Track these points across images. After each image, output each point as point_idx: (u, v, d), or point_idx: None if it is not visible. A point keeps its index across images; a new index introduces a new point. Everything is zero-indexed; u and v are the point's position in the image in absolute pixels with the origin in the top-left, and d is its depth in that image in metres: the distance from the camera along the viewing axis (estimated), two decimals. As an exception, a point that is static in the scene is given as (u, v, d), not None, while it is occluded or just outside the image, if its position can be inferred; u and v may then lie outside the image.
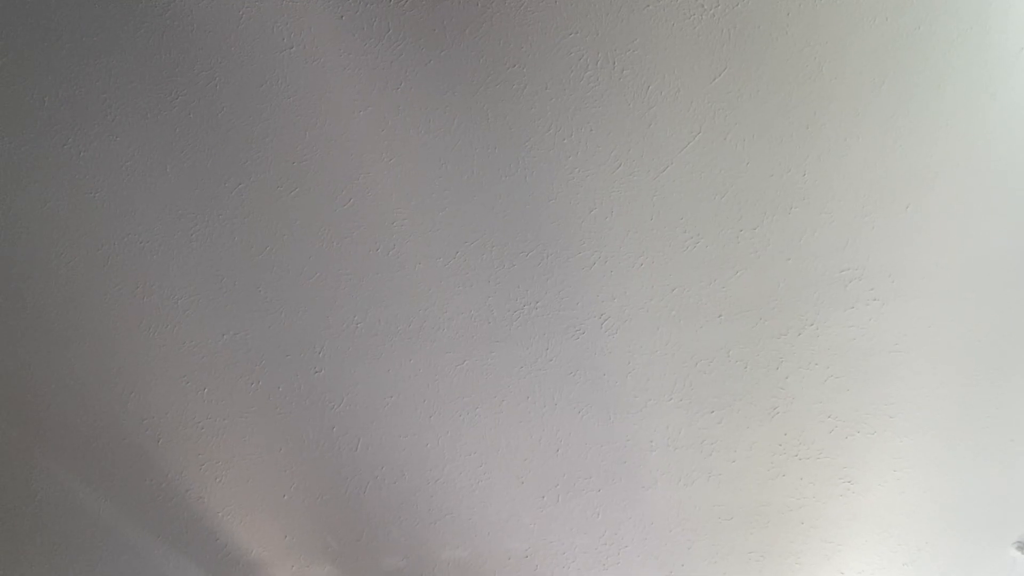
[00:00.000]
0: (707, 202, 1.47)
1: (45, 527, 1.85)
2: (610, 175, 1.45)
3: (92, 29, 1.30)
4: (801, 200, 1.47)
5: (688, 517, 1.90)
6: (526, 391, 1.71)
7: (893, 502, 1.85)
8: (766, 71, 1.34)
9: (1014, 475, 1.80)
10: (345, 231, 1.51)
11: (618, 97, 1.36)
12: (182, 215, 1.49)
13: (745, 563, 1.96)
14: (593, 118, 1.38)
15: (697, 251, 1.53)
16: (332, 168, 1.44)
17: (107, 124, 1.39)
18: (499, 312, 1.60)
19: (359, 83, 1.36)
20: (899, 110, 1.38)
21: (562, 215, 1.49)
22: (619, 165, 1.44)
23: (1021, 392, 1.68)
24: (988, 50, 1.31)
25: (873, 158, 1.43)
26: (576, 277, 1.56)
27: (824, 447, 1.77)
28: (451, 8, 1.28)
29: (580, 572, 2.03)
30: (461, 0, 1.26)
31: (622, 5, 1.28)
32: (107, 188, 1.45)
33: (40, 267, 1.53)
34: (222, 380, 1.68)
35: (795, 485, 1.82)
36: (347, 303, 1.59)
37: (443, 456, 1.80)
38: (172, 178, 1.45)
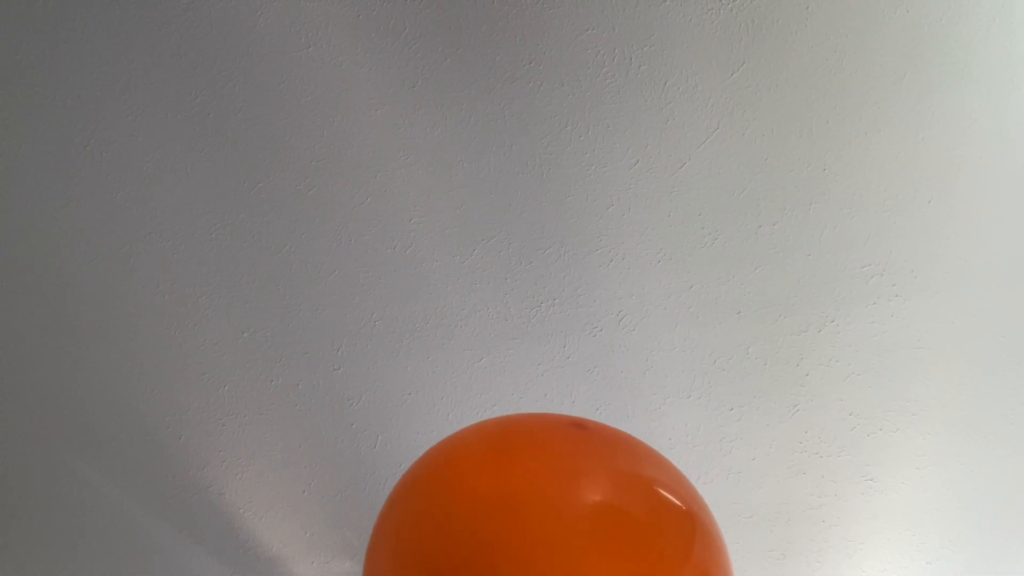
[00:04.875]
0: (725, 198, 1.46)
1: (68, 522, 1.88)
2: (627, 172, 1.44)
3: (113, 31, 1.31)
4: (821, 195, 1.46)
5: (707, 514, 1.89)
6: (543, 389, 1.70)
7: (916, 500, 1.83)
8: (785, 65, 1.33)
9: (1040, 473, 1.77)
10: (363, 229, 1.52)
11: (635, 93, 1.35)
12: (202, 214, 1.50)
13: (766, 561, 1.95)
14: (610, 115, 1.38)
15: (716, 247, 1.52)
16: (349, 166, 1.45)
17: (128, 125, 1.40)
18: (516, 309, 1.60)
19: (376, 81, 1.36)
20: (921, 103, 1.36)
21: (579, 212, 1.48)
22: (636, 162, 1.43)
23: (1047, 389, 1.66)
24: (1012, 42, 1.28)
25: (895, 152, 1.41)
26: (593, 274, 1.56)
27: (845, 444, 1.75)
28: (467, 6, 1.28)
29: (599, 569, 2.02)
30: (477, -3, 1.26)
31: (639, 1, 1.27)
32: (128, 187, 1.47)
33: (62, 266, 1.55)
34: (242, 377, 1.69)
35: (816, 483, 1.81)
36: (365, 301, 1.60)
37: (461, 453, 1.80)
38: (192, 177, 1.46)
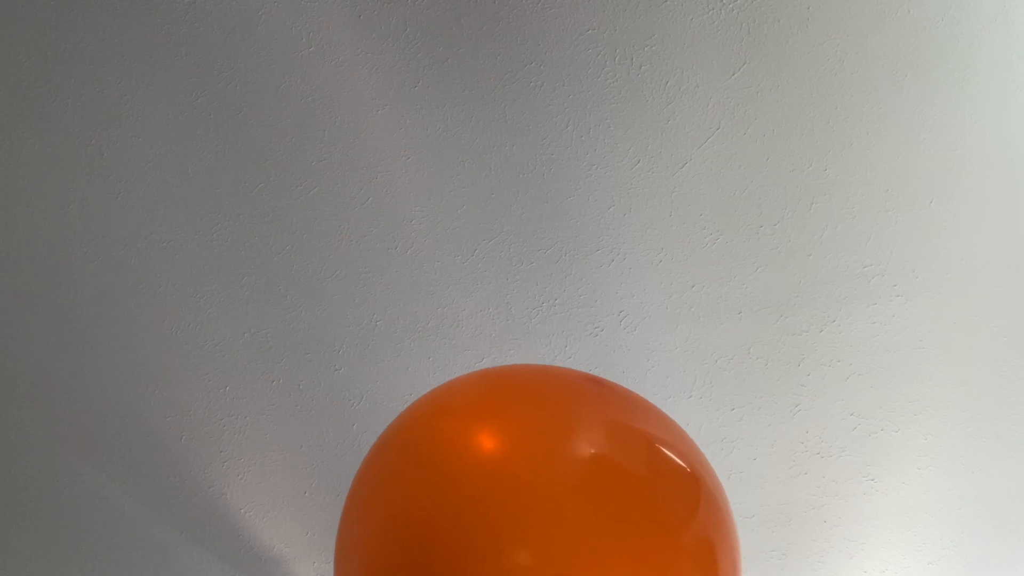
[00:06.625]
0: (726, 198, 1.46)
1: (71, 523, 1.88)
2: (628, 172, 1.44)
3: (114, 31, 1.31)
4: (823, 195, 1.46)
5: (709, 515, 1.88)
6: (545, 388, 1.70)
7: (917, 500, 1.83)
8: (786, 65, 1.33)
9: (1042, 473, 1.77)
10: (363, 229, 1.52)
11: (636, 94, 1.35)
12: (203, 214, 1.50)
13: (767, 561, 1.95)
14: (611, 115, 1.38)
15: (717, 247, 1.52)
16: (350, 167, 1.45)
17: (129, 125, 1.40)
18: (517, 310, 1.60)
19: (377, 81, 1.36)
20: (923, 103, 1.36)
21: (580, 212, 1.48)
22: (637, 162, 1.43)
23: (1049, 389, 1.65)
24: (1013, 41, 1.28)
25: (896, 152, 1.41)
26: (594, 274, 1.56)
27: (847, 445, 1.75)
28: (468, 6, 1.28)
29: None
30: (478, -2, 1.26)
31: (640, 1, 1.27)
32: (129, 188, 1.47)
33: (64, 267, 1.55)
34: (243, 378, 1.69)
35: (817, 483, 1.81)
36: (366, 301, 1.60)
37: (462, 453, 1.80)
38: (193, 178, 1.46)
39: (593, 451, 0.79)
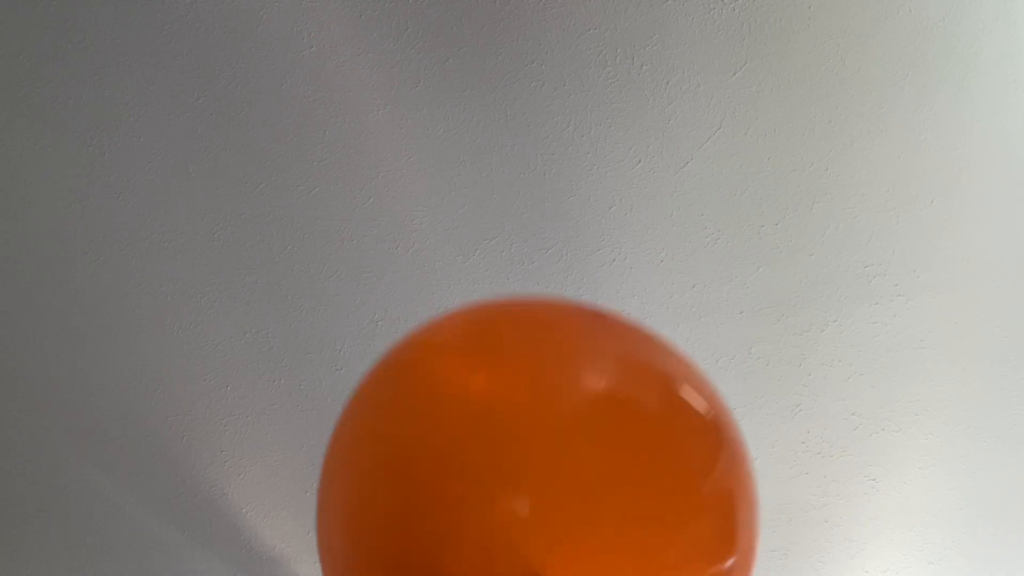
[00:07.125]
0: (728, 198, 1.46)
1: (72, 523, 1.88)
2: (629, 171, 1.44)
3: (114, 31, 1.31)
4: (824, 195, 1.46)
5: (710, 515, 1.88)
6: (546, 388, 1.70)
7: (919, 500, 1.83)
8: (788, 65, 1.33)
9: (1043, 473, 1.77)
10: (365, 229, 1.52)
11: (637, 93, 1.35)
12: (204, 214, 1.50)
13: (768, 561, 1.95)
14: (612, 114, 1.38)
15: (718, 247, 1.52)
16: (351, 167, 1.45)
17: (130, 125, 1.40)
18: (518, 310, 1.60)
19: (378, 81, 1.36)
20: (924, 103, 1.36)
21: (581, 212, 1.48)
22: (638, 161, 1.43)
23: (1050, 389, 1.65)
24: (1014, 41, 1.28)
25: (898, 152, 1.41)
26: (595, 274, 1.56)
27: (848, 445, 1.75)
28: (469, 6, 1.27)
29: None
30: (479, -3, 1.26)
31: (641, 0, 1.27)
32: (130, 189, 1.47)
33: (64, 267, 1.55)
34: (244, 378, 1.69)
35: (818, 483, 1.81)
36: (367, 301, 1.60)
37: (463, 453, 1.80)
38: (194, 178, 1.46)
39: (602, 386, 0.70)
